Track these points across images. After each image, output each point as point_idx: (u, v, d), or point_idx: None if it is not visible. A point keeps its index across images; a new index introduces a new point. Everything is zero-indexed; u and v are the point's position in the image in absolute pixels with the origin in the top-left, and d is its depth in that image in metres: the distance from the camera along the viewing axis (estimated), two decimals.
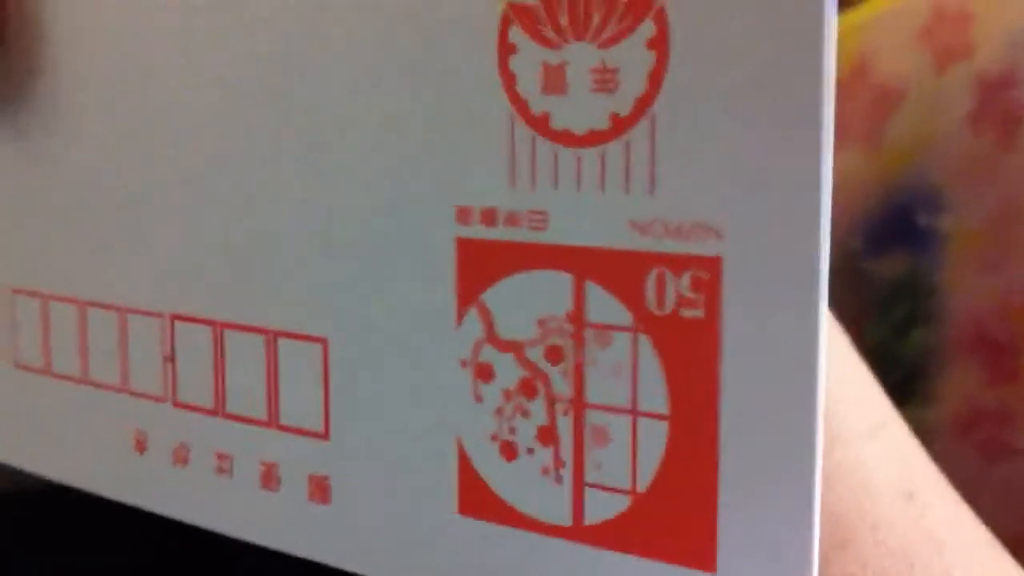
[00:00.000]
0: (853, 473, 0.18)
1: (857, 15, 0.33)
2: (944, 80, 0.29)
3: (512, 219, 0.14)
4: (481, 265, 0.15)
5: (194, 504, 0.19)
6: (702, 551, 0.14)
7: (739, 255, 0.13)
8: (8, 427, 0.22)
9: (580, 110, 0.13)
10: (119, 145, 0.18)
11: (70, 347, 0.20)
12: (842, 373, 0.19)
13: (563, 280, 0.14)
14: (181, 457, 0.19)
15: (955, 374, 0.31)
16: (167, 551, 0.28)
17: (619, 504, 0.14)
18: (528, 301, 0.15)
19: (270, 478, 0.18)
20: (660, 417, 0.14)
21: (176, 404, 0.19)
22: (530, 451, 0.15)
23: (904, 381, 0.30)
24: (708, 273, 0.13)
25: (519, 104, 0.14)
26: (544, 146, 0.14)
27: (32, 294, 0.20)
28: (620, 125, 0.13)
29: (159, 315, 0.19)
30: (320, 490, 0.17)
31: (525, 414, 0.15)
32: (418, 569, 0.17)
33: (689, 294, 0.13)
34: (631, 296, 0.14)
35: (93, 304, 0.19)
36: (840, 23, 0.33)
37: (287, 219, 0.17)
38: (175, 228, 0.18)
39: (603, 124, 0.13)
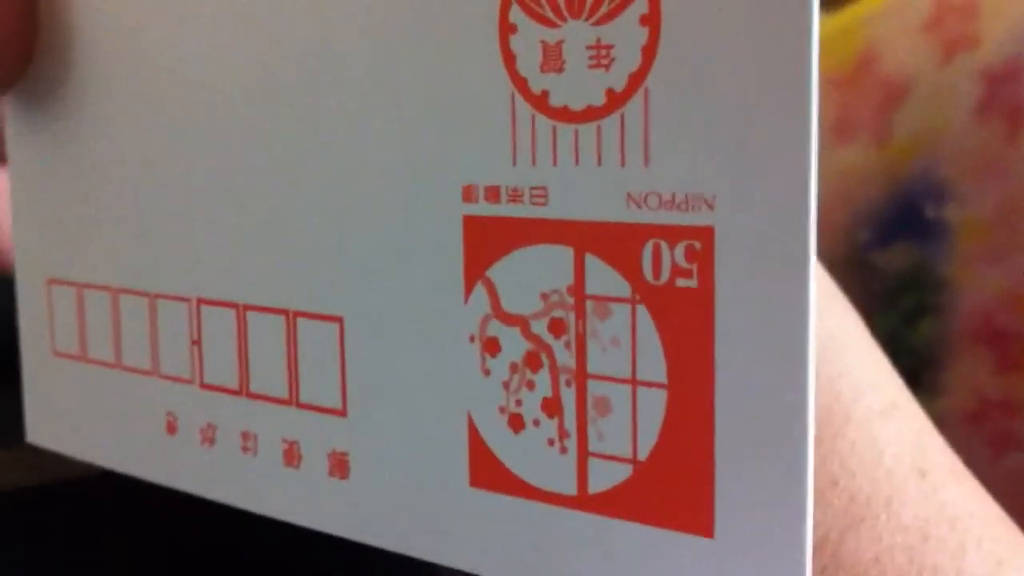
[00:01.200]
0: (867, 451, 0.17)
1: (863, 7, 0.32)
2: (950, 72, 0.29)
3: (515, 195, 0.14)
4: (486, 241, 0.15)
5: (222, 483, 0.19)
6: (700, 517, 0.14)
7: (730, 225, 0.13)
8: (48, 414, 0.22)
9: (577, 87, 0.14)
10: (146, 134, 0.19)
11: (104, 334, 0.20)
12: (856, 355, 0.18)
13: (564, 254, 0.14)
14: (208, 437, 0.19)
15: (964, 365, 0.30)
16: (213, 537, 0.28)
17: (621, 472, 0.14)
18: (531, 275, 0.15)
19: (292, 455, 0.18)
20: (659, 386, 0.14)
21: (203, 386, 0.19)
22: (536, 422, 0.15)
23: (912, 372, 0.30)
24: (701, 243, 0.13)
25: (520, 83, 0.14)
26: (543, 123, 0.14)
27: (67, 283, 0.21)
28: (615, 100, 0.13)
29: (186, 300, 0.19)
30: (339, 466, 0.18)
31: (531, 386, 0.15)
32: (433, 542, 0.17)
33: (684, 264, 0.13)
34: (629, 268, 0.14)
35: (125, 291, 0.20)
36: (846, 16, 0.33)
37: (303, 203, 0.17)
38: (199, 215, 0.18)
39: (599, 100, 0.13)
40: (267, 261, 0.17)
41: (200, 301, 0.19)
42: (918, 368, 0.30)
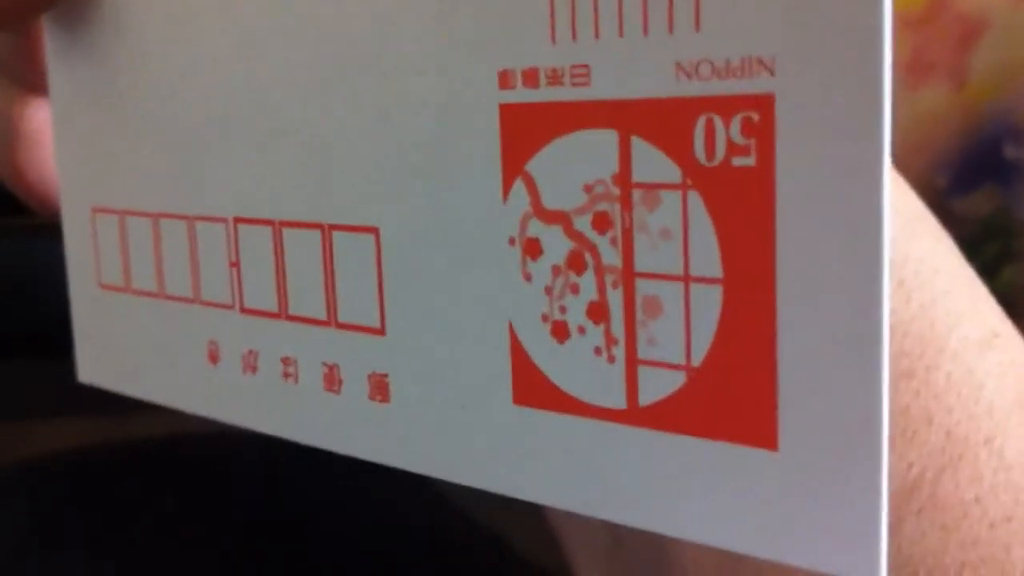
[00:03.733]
0: (964, 384, 0.15)
1: None
2: None
3: (554, 77, 0.13)
4: (525, 132, 0.13)
5: (264, 412, 0.18)
6: (763, 428, 0.12)
7: (793, 91, 0.11)
8: (97, 351, 0.21)
9: None
10: (179, 54, 0.17)
11: (146, 263, 0.19)
12: (951, 280, 0.16)
13: (608, 138, 0.12)
14: (250, 365, 0.18)
15: None
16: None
17: (675, 381, 0.13)
18: (573, 166, 0.13)
19: (332, 380, 0.17)
20: (713, 282, 0.12)
21: (243, 311, 0.18)
22: (581, 330, 0.13)
23: None
24: (760, 114, 0.11)
25: None
26: None
27: (111, 212, 0.19)
28: None
29: (223, 220, 0.17)
30: (380, 389, 0.16)
31: (575, 290, 0.13)
32: (477, 467, 0.15)
33: (740, 140, 0.11)
34: (679, 149, 0.12)
35: (165, 216, 0.18)
36: None
37: (334, 106, 0.15)
38: (234, 131, 0.17)
39: None
40: (302, 173, 0.16)
41: (237, 220, 0.17)
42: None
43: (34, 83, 0.18)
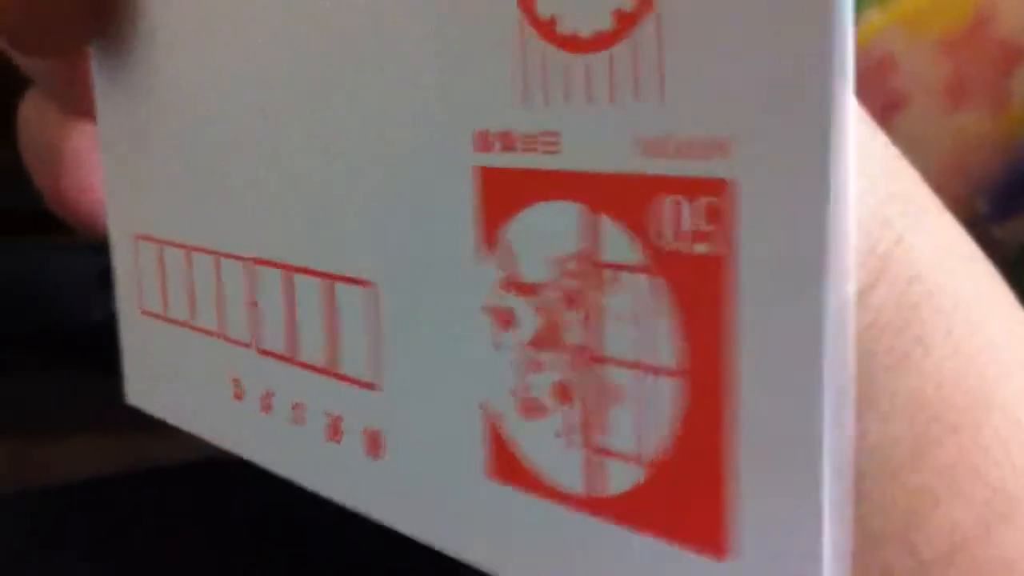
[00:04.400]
0: (1012, 439, 0.14)
1: None
2: None
3: (528, 142, 0.12)
4: (500, 197, 0.12)
5: (278, 454, 0.18)
6: (713, 534, 0.11)
7: (753, 177, 0.10)
8: (141, 374, 0.21)
9: (584, 9, 0.11)
10: (205, 92, 0.17)
11: (180, 294, 0.19)
12: (1002, 326, 0.15)
13: (577, 212, 0.12)
14: (267, 405, 0.18)
15: None
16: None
17: (633, 474, 0.12)
18: (546, 237, 0.12)
19: (335, 430, 0.16)
20: (670, 373, 0.11)
21: (260, 351, 0.17)
22: (545, 410, 0.12)
23: None
24: (720, 199, 0.10)
25: (526, 7, 0.11)
26: (555, 56, 0.11)
27: (152, 240, 0.19)
28: (625, 21, 0.10)
29: (243, 259, 0.17)
30: (374, 444, 0.15)
31: (539, 368, 0.12)
32: (450, 533, 0.14)
33: (701, 225, 0.10)
34: (642, 230, 0.11)
35: (196, 249, 0.18)
36: None
37: (335, 153, 0.15)
38: (250, 174, 0.17)
39: (606, 23, 0.11)
40: (308, 220, 0.16)
41: (256, 261, 0.17)
42: None
43: (81, 108, 0.19)
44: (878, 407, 0.13)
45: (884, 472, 0.13)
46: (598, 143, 0.11)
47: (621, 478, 0.12)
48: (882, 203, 0.13)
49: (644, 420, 0.11)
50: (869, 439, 0.13)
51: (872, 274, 0.12)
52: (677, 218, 0.11)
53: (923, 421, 0.13)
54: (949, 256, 0.15)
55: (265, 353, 0.17)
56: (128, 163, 0.19)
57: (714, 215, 0.10)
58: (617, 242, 0.11)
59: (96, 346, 0.20)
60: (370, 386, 0.15)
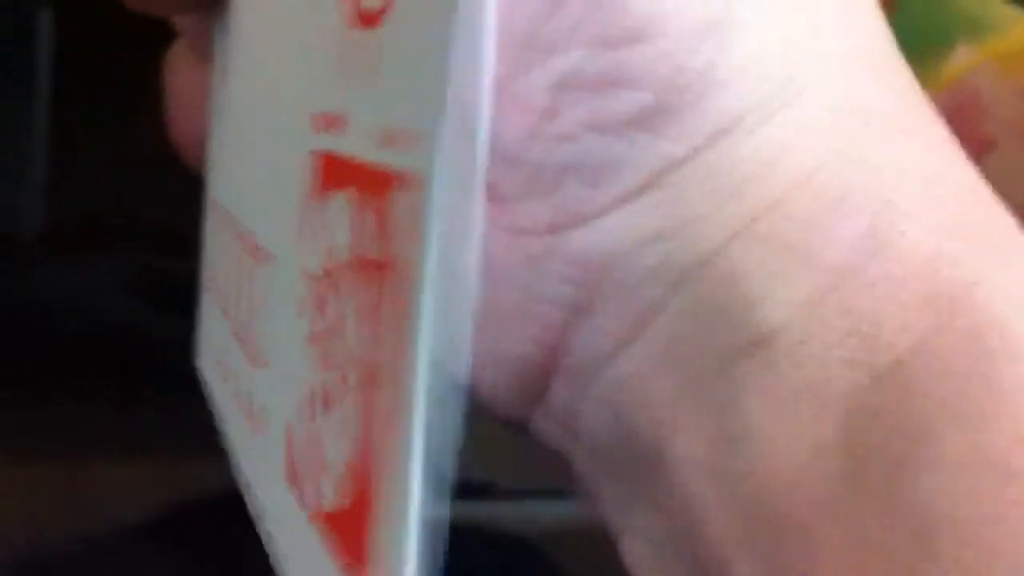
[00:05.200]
0: None
1: None
2: None
3: (339, 122, 0.11)
4: (318, 181, 0.12)
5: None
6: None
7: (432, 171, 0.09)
8: (202, 344, 0.22)
9: None
10: (240, 82, 0.18)
11: (217, 260, 0.20)
12: None
13: (345, 202, 0.11)
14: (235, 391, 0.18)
15: None
16: None
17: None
18: (323, 231, 0.11)
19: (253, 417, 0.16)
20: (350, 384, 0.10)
21: (232, 335, 0.17)
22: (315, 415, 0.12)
23: None
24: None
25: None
26: (353, 35, 0.11)
27: (214, 204, 0.20)
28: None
29: (243, 234, 0.17)
30: (258, 424, 0.15)
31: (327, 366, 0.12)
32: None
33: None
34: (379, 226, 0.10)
35: (225, 212, 0.19)
36: None
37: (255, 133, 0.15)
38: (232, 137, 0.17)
39: (377, 2, 0.10)
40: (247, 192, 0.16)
41: (240, 234, 0.17)
42: None
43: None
44: None
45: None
46: (363, 129, 0.10)
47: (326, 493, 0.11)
48: (949, 238, 0.11)
49: (343, 431, 0.10)
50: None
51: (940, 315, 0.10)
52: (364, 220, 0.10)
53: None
54: None
55: (235, 331, 0.17)
56: (211, 131, 0.20)
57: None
58: (369, 237, 0.10)
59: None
60: (263, 364, 0.15)
